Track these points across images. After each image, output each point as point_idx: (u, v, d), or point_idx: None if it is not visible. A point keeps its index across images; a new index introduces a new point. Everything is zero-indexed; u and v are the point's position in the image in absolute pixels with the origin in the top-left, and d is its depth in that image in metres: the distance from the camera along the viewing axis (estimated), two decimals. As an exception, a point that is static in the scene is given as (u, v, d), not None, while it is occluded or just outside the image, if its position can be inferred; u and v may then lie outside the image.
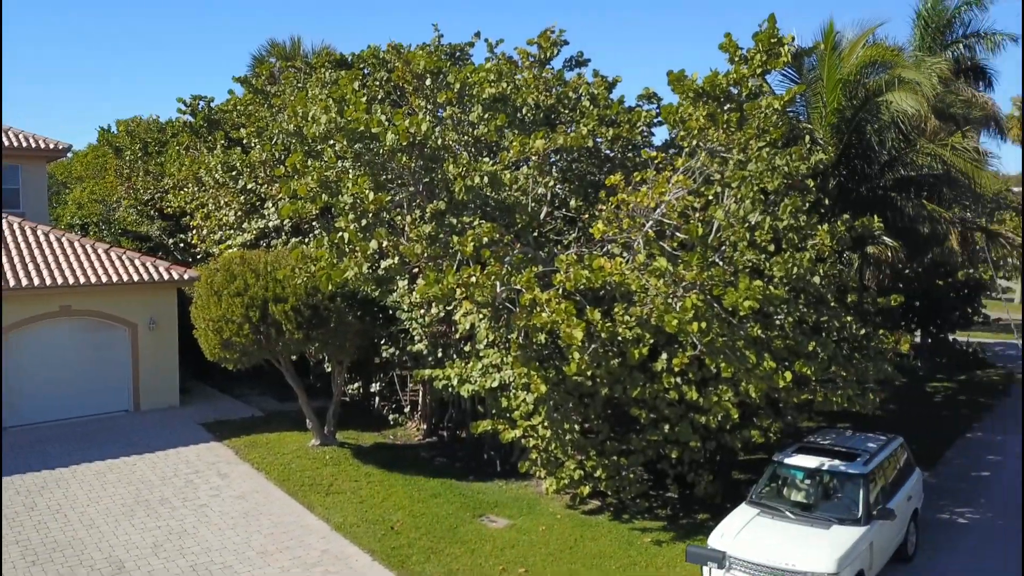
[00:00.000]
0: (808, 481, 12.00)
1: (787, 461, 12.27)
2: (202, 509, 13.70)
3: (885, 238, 15.98)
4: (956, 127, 20.16)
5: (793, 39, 13.38)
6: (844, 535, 10.60)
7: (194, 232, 22.56)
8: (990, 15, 32.18)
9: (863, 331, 12.74)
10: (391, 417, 18.92)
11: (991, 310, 28.17)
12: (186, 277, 19.57)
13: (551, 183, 13.86)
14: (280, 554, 12.07)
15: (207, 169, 21.53)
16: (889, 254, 16.33)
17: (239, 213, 20.76)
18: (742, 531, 10.91)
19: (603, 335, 11.25)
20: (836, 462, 11.92)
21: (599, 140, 14.84)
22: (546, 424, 13.10)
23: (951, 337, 27.72)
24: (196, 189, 22.84)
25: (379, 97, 17.51)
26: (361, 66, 19.95)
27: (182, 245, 24.46)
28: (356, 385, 20.67)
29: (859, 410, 12.66)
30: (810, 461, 12.10)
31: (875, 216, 13.09)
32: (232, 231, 20.76)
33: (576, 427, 13.12)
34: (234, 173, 20.49)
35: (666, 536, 12.93)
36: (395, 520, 13.36)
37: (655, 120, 15.43)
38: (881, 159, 17.40)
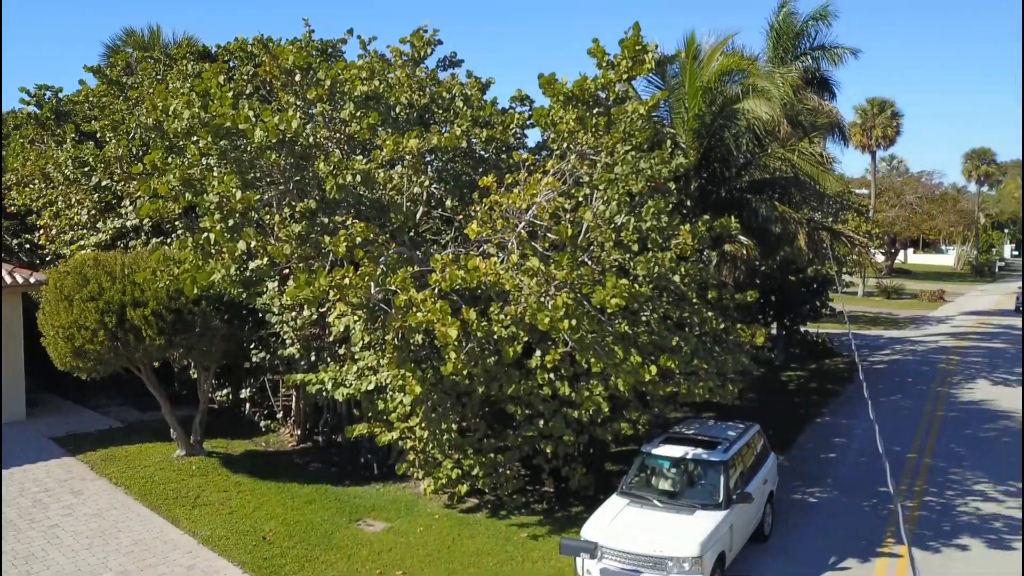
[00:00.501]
0: (674, 470, 12.61)
1: (654, 451, 12.84)
2: (53, 530, 12.76)
3: (741, 237, 16.98)
4: (804, 133, 21.67)
5: (656, 47, 13.98)
6: (707, 520, 11.22)
7: (41, 232, 20.94)
8: (834, 30, 34.74)
9: (722, 325, 13.49)
10: (263, 424, 18.31)
11: (836, 303, 30.52)
12: (32, 281, 18.14)
13: (427, 183, 13.84)
14: (141, 573, 11.44)
15: (55, 164, 20.05)
16: (745, 252, 17.36)
17: (92, 212, 19.45)
18: (613, 521, 11.34)
19: (479, 334, 11.36)
20: (699, 450, 12.59)
21: (473, 141, 14.96)
22: (423, 425, 13.09)
23: (802, 329, 29.82)
24: (43, 185, 21.19)
25: (247, 92, 16.89)
26: (227, 59, 19.17)
27: (28, 246, 22.63)
28: (225, 392, 19.85)
29: (720, 400, 13.41)
30: (675, 451, 12.72)
31: (732, 217, 13.89)
32: (85, 231, 19.42)
33: (453, 426, 13.19)
34: (87, 169, 19.17)
35: (542, 530, 13.21)
36: (268, 530, 12.96)
37: (528, 122, 15.71)
38: (738, 163, 18.49)
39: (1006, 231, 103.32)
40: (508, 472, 13.67)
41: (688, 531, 10.91)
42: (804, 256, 21.56)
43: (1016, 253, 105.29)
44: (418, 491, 14.63)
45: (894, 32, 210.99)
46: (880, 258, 72.90)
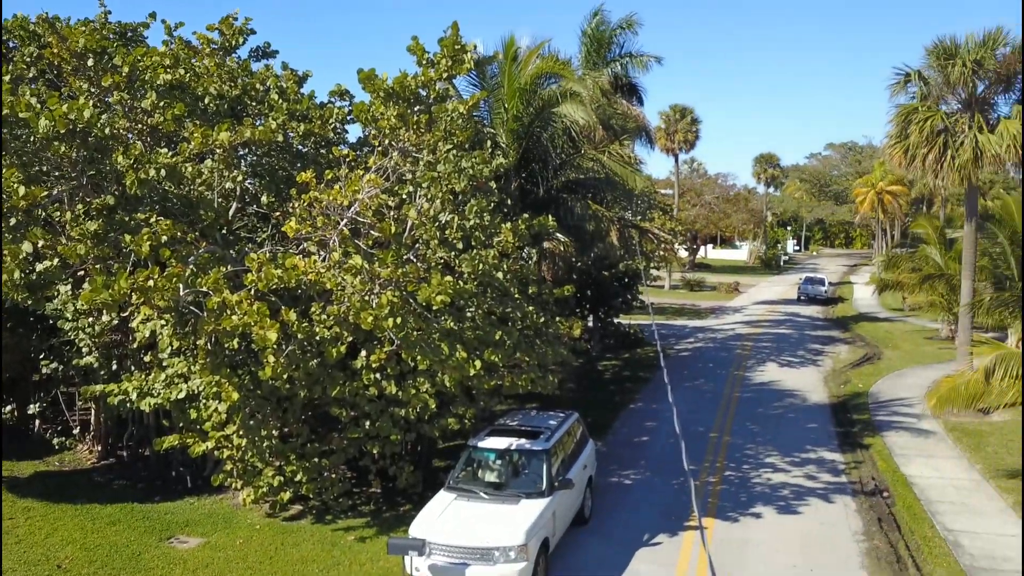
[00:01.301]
0: (499, 461, 12.91)
1: (480, 444, 13.09)
2: None
3: (559, 235, 17.72)
4: (615, 136, 22.93)
5: (476, 47, 14.23)
6: (531, 508, 11.59)
7: None
8: (640, 39, 36.89)
9: (542, 319, 14.00)
10: (56, 441, 16.62)
11: (646, 296, 32.60)
12: None
13: (240, 177, 13.18)
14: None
15: None
16: (563, 249, 18.14)
17: None
18: (440, 516, 11.43)
19: (300, 336, 11.01)
20: (522, 441, 12.98)
21: (290, 135, 14.42)
22: (241, 433, 12.49)
23: (616, 320, 31.58)
24: None
25: (29, 76, 15.21)
26: (4, 38, 17.13)
27: None
28: (9, 408, 17.81)
29: (542, 391, 13.91)
30: (500, 442, 13.03)
31: (550, 215, 14.44)
32: None
33: (274, 433, 12.69)
34: None
35: (370, 532, 13.05)
36: (63, 557, 11.79)
37: (348, 117, 15.39)
38: (555, 163, 19.23)
39: (788, 228, 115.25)
40: (333, 476, 13.36)
41: (513, 520, 11.22)
42: (616, 252, 22.85)
43: (798, 248, 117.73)
44: (236, 502, 13.93)
45: (693, 45, 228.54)
46: (684, 253, 78.70)
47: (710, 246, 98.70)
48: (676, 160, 67.68)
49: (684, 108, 64.02)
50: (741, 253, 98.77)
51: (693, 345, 33.49)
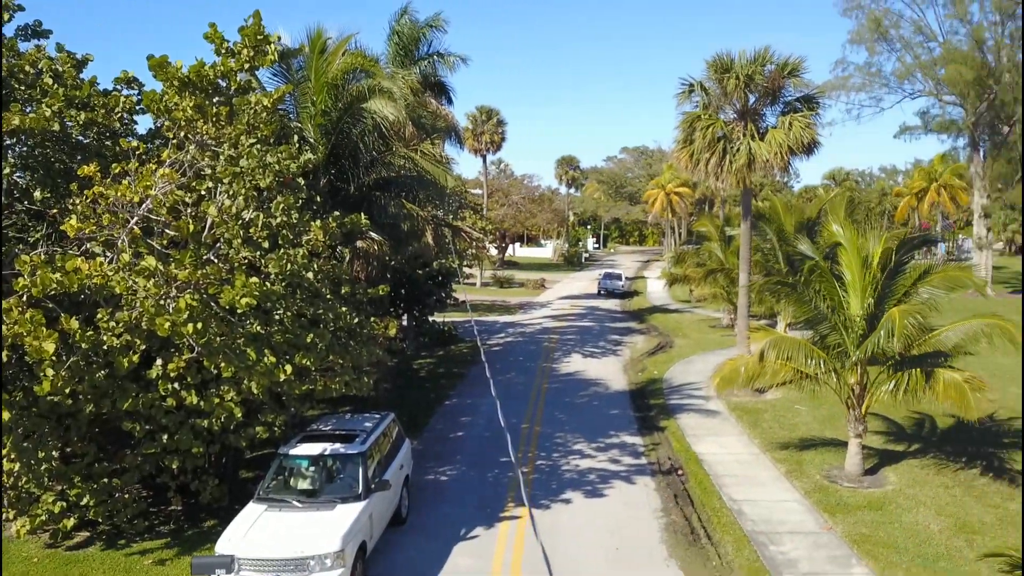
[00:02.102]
0: (312, 468, 12.52)
1: (292, 452, 12.61)
2: None
3: (372, 233, 17.45)
4: (426, 135, 22.97)
5: (280, 38, 13.65)
6: (347, 512, 11.35)
7: None
8: (449, 38, 37.28)
9: (356, 320, 13.71)
10: None
11: (459, 293, 33.04)
12: None
13: (7, 170, 11.70)
14: None
15: None
16: (376, 248, 17.87)
17: None
18: (250, 530, 10.88)
19: (84, 345, 9.97)
20: (337, 445, 12.67)
21: (69, 124, 13.02)
22: (14, 456, 11.13)
23: (430, 318, 31.70)
24: None
25: None
26: None
27: None
28: None
29: (357, 393, 13.64)
30: (313, 448, 12.63)
31: (362, 213, 14.18)
32: None
33: (55, 454, 11.43)
34: None
35: (170, 553, 12.14)
36: None
37: (137, 107, 14.16)
38: (366, 160, 18.91)
39: (588, 227, 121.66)
40: (126, 496, 12.29)
41: (328, 527, 10.92)
42: (431, 250, 22.91)
43: (597, 246, 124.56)
44: (9, 534, 12.40)
45: (500, 49, 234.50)
46: (494, 252, 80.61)
47: (518, 244, 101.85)
48: (484, 161, 69.08)
49: (491, 110, 65.49)
50: (546, 251, 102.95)
51: (504, 340, 34.39)
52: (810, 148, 22.25)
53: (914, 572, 11.61)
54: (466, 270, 49.24)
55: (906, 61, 50.02)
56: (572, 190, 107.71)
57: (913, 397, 14.31)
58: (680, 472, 16.65)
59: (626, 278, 60.36)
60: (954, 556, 12.07)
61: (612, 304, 49.98)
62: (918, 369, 14.22)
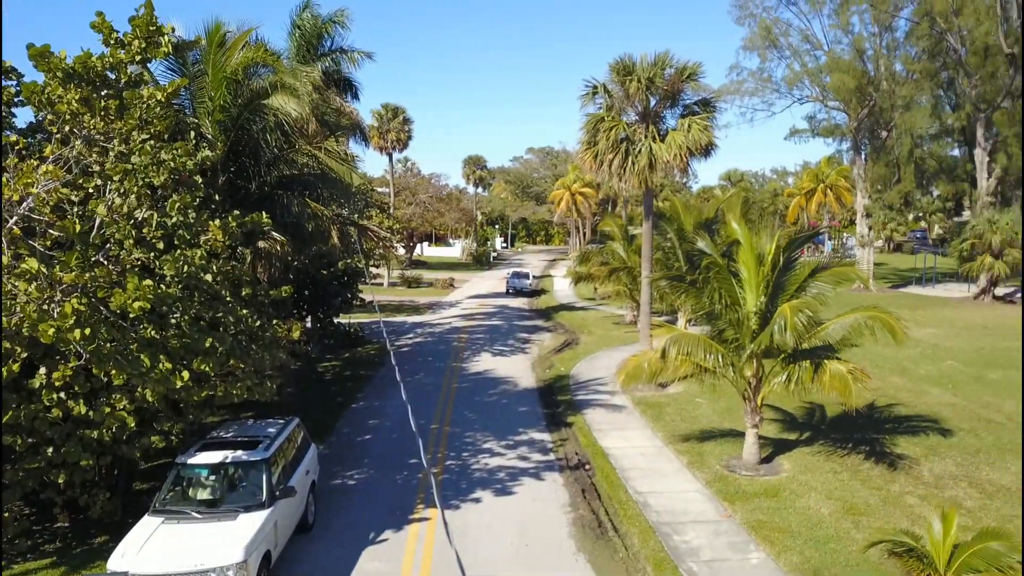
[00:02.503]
0: (213, 476, 12.07)
1: (190, 461, 12.12)
2: None
3: (275, 233, 16.94)
4: (331, 132, 22.50)
5: (174, 29, 13.06)
6: (250, 522, 11.00)
7: None
8: (353, 34, 36.66)
9: (258, 323, 13.29)
10: None
11: (366, 294, 32.55)
12: None
13: None
14: None
15: None
16: (279, 248, 17.37)
17: None
18: (145, 544, 10.40)
19: (-44, 354, 9.28)
20: (239, 453, 12.26)
21: (-65, 115, 12.08)
22: None
23: (336, 320, 31.09)
24: None
25: None
26: None
27: None
28: None
29: (260, 398, 13.23)
30: (214, 457, 12.18)
31: (264, 212, 13.73)
32: None
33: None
34: None
35: (56, 573, 11.47)
36: None
37: (16, 99, 13.26)
38: (268, 158, 18.34)
39: (496, 226, 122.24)
40: (7, 515, 11.49)
41: (231, 537, 10.56)
42: (336, 250, 22.47)
43: (505, 245, 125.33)
44: None
45: (407, 47, 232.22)
46: (402, 251, 79.85)
47: (426, 244, 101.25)
48: (391, 159, 68.32)
49: (397, 107, 64.84)
50: (455, 250, 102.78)
51: (413, 340, 34.12)
52: (707, 150, 23.06)
53: (807, 555, 12.24)
54: (373, 270, 48.58)
55: (795, 68, 52.50)
56: (480, 190, 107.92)
57: (804, 388, 15.08)
58: (587, 467, 16.96)
59: (534, 277, 60.98)
60: (843, 538, 12.80)
61: (520, 303, 50.40)
62: (808, 361, 15.00)
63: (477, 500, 14.89)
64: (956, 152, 54.71)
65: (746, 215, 32.79)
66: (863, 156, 53.57)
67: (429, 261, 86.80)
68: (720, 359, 15.54)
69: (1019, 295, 44.27)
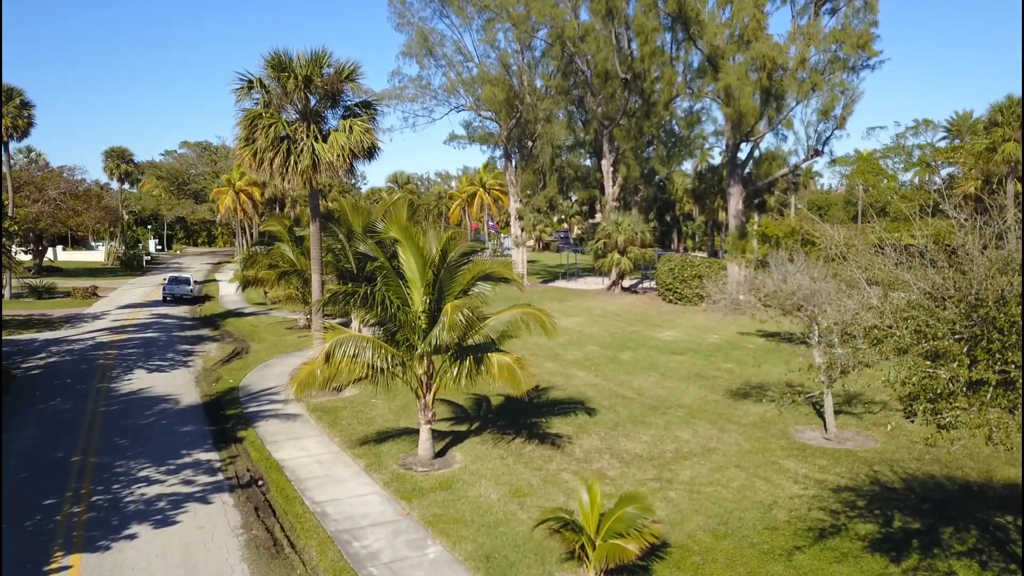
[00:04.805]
0: None
1: None
2: None
3: None
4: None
5: None
6: None
7: None
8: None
9: None
10: None
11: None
12: None
13: None
14: None
15: None
16: None
17: None
18: None
19: None
20: None
21: None
22: None
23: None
24: None
25: None
26: None
27: None
28: None
29: None
30: None
31: None
32: None
33: None
34: None
35: None
36: None
37: None
38: None
39: (150, 227, 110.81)
40: None
41: None
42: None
43: (161, 247, 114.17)
44: None
45: (32, 24, 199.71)
46: (26, 257, 68.40)
47: (60, 247, 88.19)
48: (6, 148, 58.13)
49: (12, 89, 55.47)
50: (98, 254, 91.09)
51: (46, 360, 29.39)
52: (371, 152, 23.28)
53: (480, 541, 12.95)
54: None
55: (451, 77, 55.47)
56: (127, 186, 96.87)
57: (472, 381, 15.95)
58: (261, 483, 16.09)
59: (195, 282, 56.38)
60: (511, 520, 13.78)
61: (181, 311, 46.21)
62: (472, 356, 15.89)
63: (133, 536, 13.26)
64: (588, 162, 62.45)
65: (413, 217, 33.75)
66: (514, 163, 58.51)
67: (65, 267, 75.61)
68: (390, 359, 15.76)
69: (641, 285, 51.98)
